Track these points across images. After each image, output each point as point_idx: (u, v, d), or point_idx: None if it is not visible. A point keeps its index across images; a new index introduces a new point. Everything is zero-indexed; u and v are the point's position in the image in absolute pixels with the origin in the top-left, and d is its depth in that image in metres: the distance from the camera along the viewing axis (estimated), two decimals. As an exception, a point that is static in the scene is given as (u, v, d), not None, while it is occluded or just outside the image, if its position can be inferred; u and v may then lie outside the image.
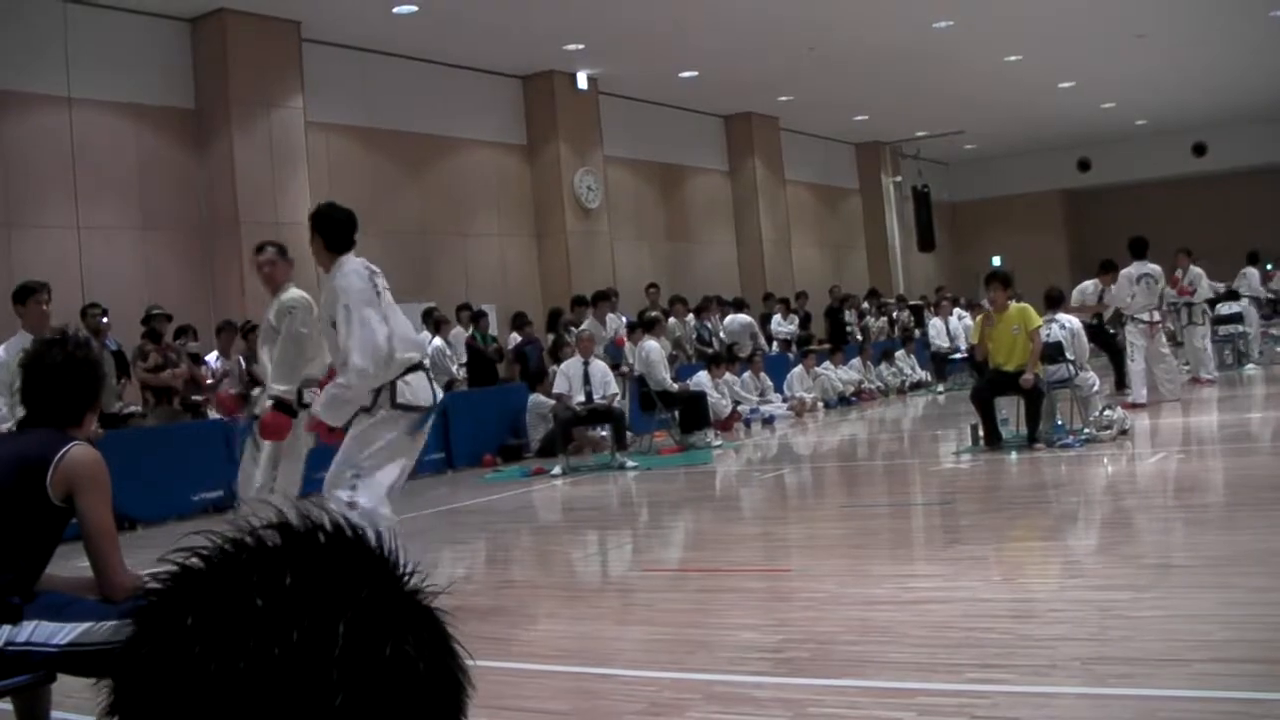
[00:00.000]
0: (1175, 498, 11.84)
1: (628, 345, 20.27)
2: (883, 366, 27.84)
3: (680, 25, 23.52)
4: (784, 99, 31.61)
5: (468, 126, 25.30)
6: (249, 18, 19.83)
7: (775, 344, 27.86)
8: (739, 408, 22.83)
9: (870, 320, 31.23)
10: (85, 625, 4.82)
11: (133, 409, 16.19)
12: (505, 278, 25.50)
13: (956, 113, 34.72)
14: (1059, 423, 16.01)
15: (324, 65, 21.68)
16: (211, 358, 17.85)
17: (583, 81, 26.80)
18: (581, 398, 18.14)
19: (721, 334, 25.73)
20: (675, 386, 20.06)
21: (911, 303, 34.20)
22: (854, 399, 25.96)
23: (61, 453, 4.99)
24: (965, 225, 45.18)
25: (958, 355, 27.45)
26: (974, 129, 37.83)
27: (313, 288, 12.13)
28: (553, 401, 18.91)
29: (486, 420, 20.11)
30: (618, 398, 18.44)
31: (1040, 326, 15.78)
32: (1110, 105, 36.39)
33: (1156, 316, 19.95)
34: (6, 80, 17.73)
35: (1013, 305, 15.98)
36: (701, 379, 21.71)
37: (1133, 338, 19.87)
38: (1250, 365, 25.49)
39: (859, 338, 29.46)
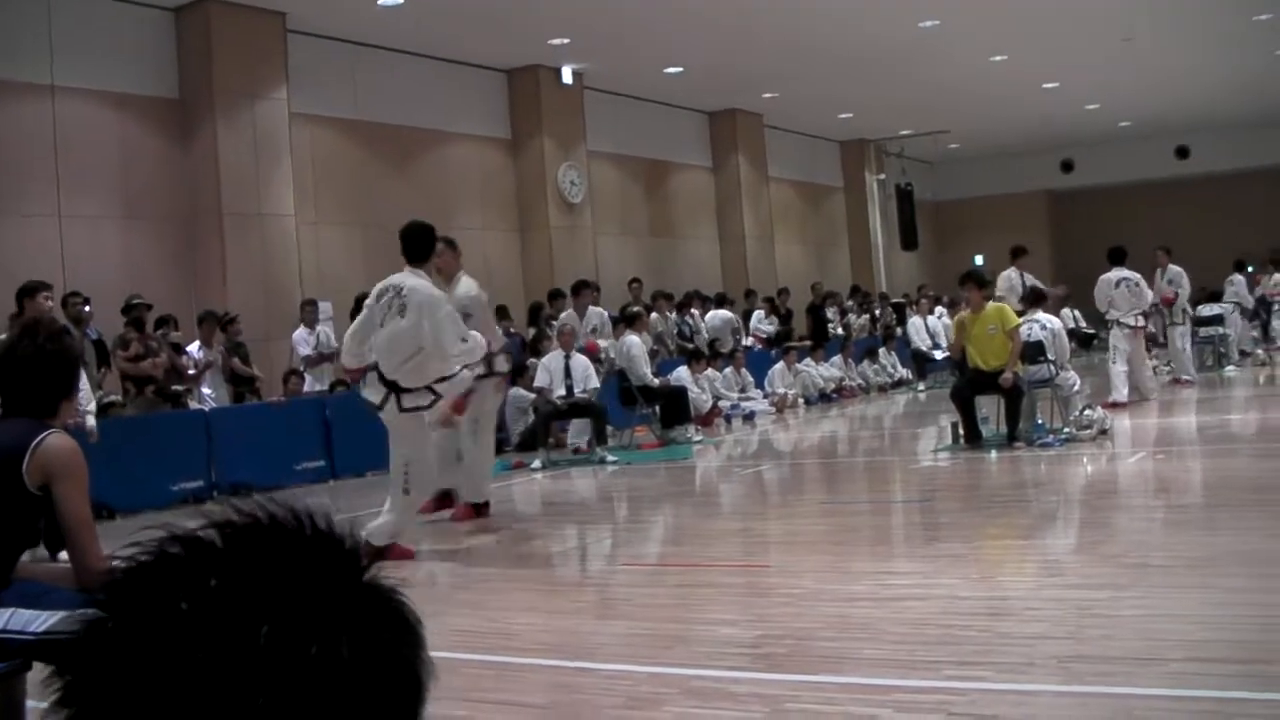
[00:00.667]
0: (1154, 498, 11.88)
1: (609, 341, 20.26)
2: (865, 364, 27.86)
3: (666, 21, 23.51)
4: (769, 96, 31.61)
5: (452, 120, 25.26)
6: (234, 8, 19.77)
7: (754, 341, 27.84)
8: (720, 403, 22.80)
9: (852, 318, 31.25)
10: (62, 613, 4.80)
11: (112, 398, 16.14)
12: (488, 272, 25.45)
13: (941, 112, 34.72)
14: (1039, 422, 16.04)
15: (309, 57, 21.61)
16: (193, 348, 17.80)
17: (568, 76, 26.78)
18: (562, 391, 18.13)
19: (704, 330, 25.75)
20: (656, 381, 20.05)
21: (894, 301, 34.25)
22: (835, 396, 25.97)
23: (37, 441, 4.97)
24: (948, 224, 45.22)
25: (938, 354, 27.47)
26: (958, 128, 37.84)
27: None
28: (533, 395, 18.91)
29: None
30: (598, 392, 18.44)
31: (1018, 326, 15.81)
32: (1094, 107, 36.44)
33: (1141, 320, 20.07)
34: (-10, 68, 17.72)
35: (990, 305, 16.01)
36: (682, 374, 21.69)
37: (1115, 340, 19.97)
38: (1230, 367, 25.56)
39: (841, 335, 29.48)
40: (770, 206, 34.68)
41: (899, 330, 30.33)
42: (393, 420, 11.10)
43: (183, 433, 15.98)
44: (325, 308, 20.28)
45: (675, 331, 25.12)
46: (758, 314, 29.10)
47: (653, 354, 21.70)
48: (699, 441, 19.58)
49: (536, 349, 21.09)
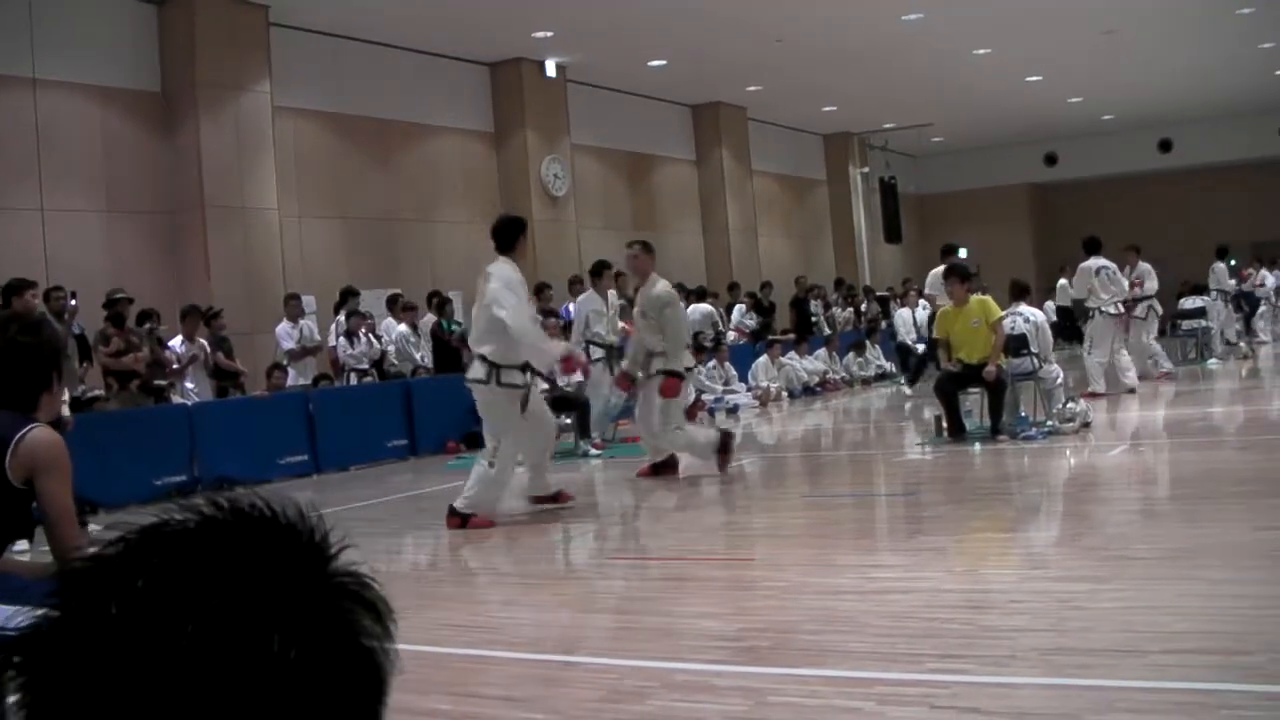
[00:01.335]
0: (1137, 490, 11.91)
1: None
2: (850, 356, 27.89)
3: (649, 14, 23.51)
4: (752, 89, 31.64)
5: (435, 113, 25.24)
6: (216, 1, 19.75)
7: (736, 335, 27.83)
8: (703, 397, 22.82)
9: (837, 311, 31.29)
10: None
11: (95, 393, 16.13)
12: (471, 265, 25.37)
13: (925, 105, 34.75)
14: (1022, 415, 16.07)
15: (292, 50, 21.59)
16: (175, 342, 17.75)
17: (551, 69, 26.77)
18: (545, 385, 18.10)
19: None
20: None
21: (878, 294, 34.29)
22: (819, 389, 26.00)
23: (20, 434, 4.96)
24: (932, 217, 45.21)
25: (923, 347, 27.49)
26: (942, 122, 37.88)
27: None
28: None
29: (450, 407, 20.07)
30: (583, 385, 18.41)
31: (1002, 319, 15.83)
32: (1078, 100, 36.51)
33: (1121, 308, 20.21)
34: (-29, 61, 17.68)
35: (973, 298, 16.04)
36: (666, 367, 21.65)
37: (1093, 330, 20.11)
38: (1213, 360, 25.64)
39: (825, 328, 29.51)
40: (754, 200, 34.71)
41: (884, 323, 30.36)
42: (486, 397, 11.97)
43: (166, 427, 15.97)
44: (309, 301, 20.29)
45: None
46: (739, 308, 29.10)
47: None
48: (683, 435, 19.54)
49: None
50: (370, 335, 20.21)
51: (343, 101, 23.19)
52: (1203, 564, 7.86)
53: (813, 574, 8.60)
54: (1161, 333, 23.30)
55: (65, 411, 12.94)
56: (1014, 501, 11.81)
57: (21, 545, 5.58)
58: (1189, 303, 27.30)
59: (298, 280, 20.66)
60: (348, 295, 20.16)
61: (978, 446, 15.28)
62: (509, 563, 10.61)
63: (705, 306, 26.83)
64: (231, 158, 19.86)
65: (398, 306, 21.20)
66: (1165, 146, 42.58)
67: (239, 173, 19.95)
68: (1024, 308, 16.84)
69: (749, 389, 24.50)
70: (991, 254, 38.47)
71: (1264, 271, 32.71)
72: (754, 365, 25.07)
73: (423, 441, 19.39)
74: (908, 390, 24.48)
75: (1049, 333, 17.08)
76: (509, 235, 12.27)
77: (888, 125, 37.82)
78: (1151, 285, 22.04)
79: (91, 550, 1.19)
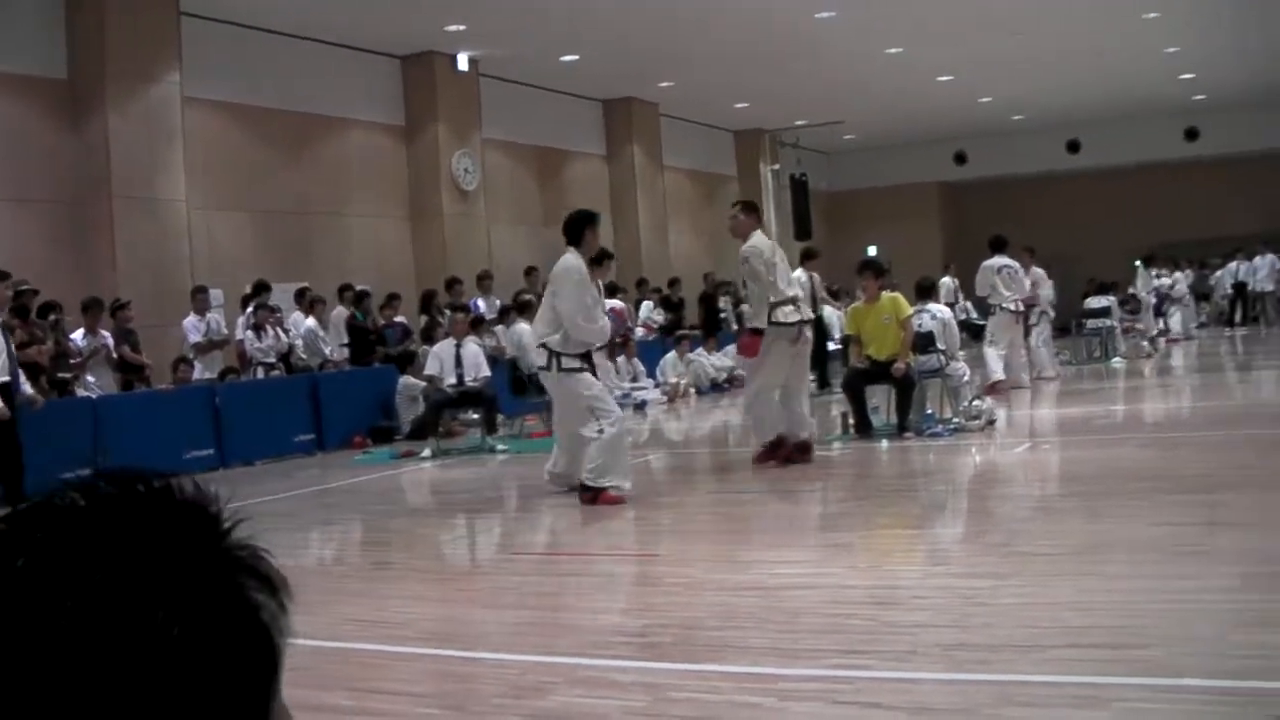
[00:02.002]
0: (1039, 487, 12.03)
1: (500, 328, 20.29)
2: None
3: (562, 9, 23.46)
4: (664, 85, 31.65)
5: (346, 106, 25.07)
6: (126, -11, 19.53)
7: (644, 331, 27.86)
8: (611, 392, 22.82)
9: (745, 308, 31.33)
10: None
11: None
12: (381, 259, 25.31)
13: (837, 103, 34.86)
14: (929, 412, 16.18)
15: (203, 40, 21.31)
16: (77, 335, 17.50)
17: (463, 63, 26.65)
18: (453, 380, 18.06)
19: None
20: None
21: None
22: (726, 386, 26.04)
23: None
24: (842, 215, 45.39)
25: (831, 345, 27.58)
26: (854, 119, 38.01)
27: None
28: (423, 384, 18.84)
29: (357, 401, 20.03)
30: (489, 380, 18.39)
31: (911, 316, 15.94)
32: (988, 100, 36.77)
33: (1021, 306, 20.56)
34: None
35: (884, 295, 16.14)
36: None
37: (994, 325, 20.50)
38: (1117, 359, 25.95)
39: (733, 324, 29.58)
40: (665, 196, 34.72)
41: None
42: (551, 383, 12.85)
43: (70, 420, 15.76)
44: (216, 295, 20.10)
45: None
46: (647, 304, 29.12)
47: (544, 343, 21.72)
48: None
49: (429, 337, 21.03)
50: (278, 329, 20.08)
51: (254, 93, 22.97)
52: (1102, 560, 7.95)
53: (718, 570, 8.63)
54: (1066, 331, 23.57)
55: (26, 390, 12.97)
56: (919, 498, 11.89)
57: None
58: (1095, 302, 27.64)
59: (206, 273, 20.43)
60: (259, 289, 20.04)
61: (884, 443, 15.38)
62: (415, 558, 10.57)
63: (615, 302, 26.82)
64: (140, 148, 19.60)
65: (305, 300, 21.08)
66: (1074, 147, 43.02)
67: (147, 164, 19.69)
68: (932, 305, 16.99)
69: (657, 385, 24.54)
70: (902, 251, 38.70)
71: (1178, 273, 33.75)
72: (662, 361, 25.13)
73: (330, 436, 19.30)
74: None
75: (956, 330, 17.23)
76: (575, 228, 12.93)
77: (799, 122, 37.89)
78: (1045, 293, 22.38)
79: None
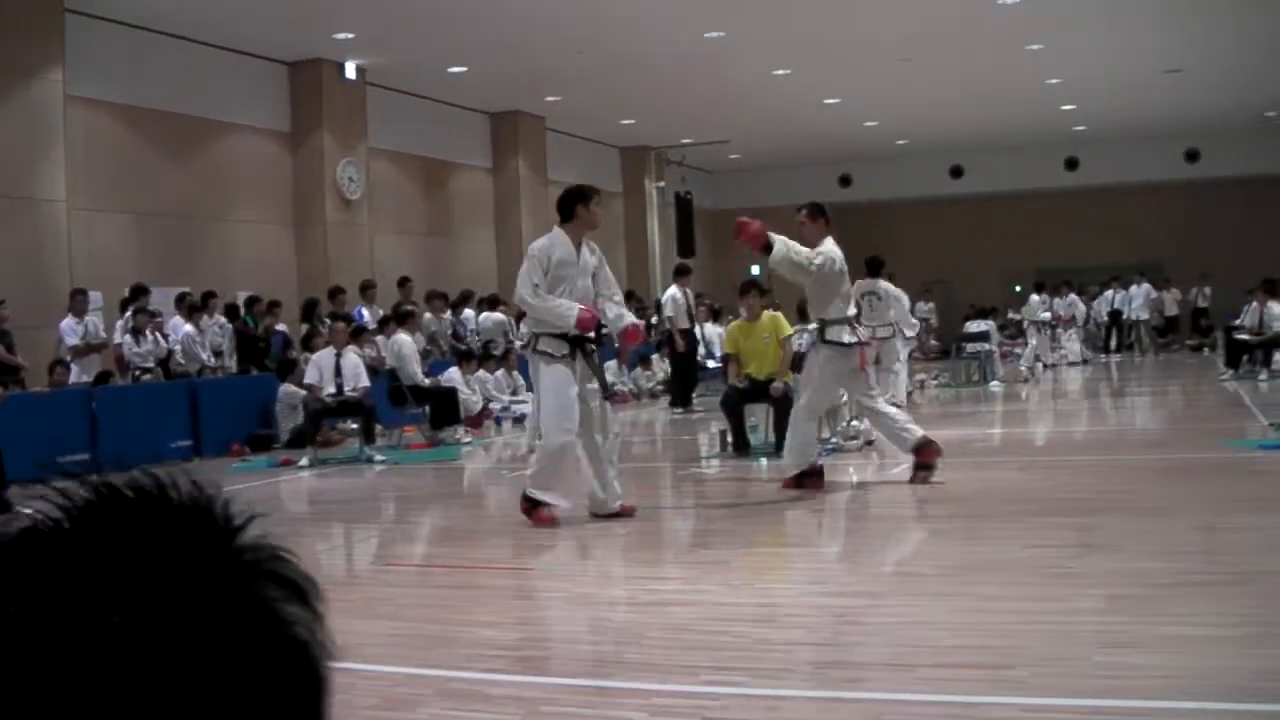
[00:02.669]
0: (917, 508, 12.10)
1: (380, 338, 20.23)
2: (638, 370, 28.04)
3: (451, 20, 23.38)
4: (552, 99, 31.64)
5: (231, 110, 24.81)
6: (8, -18, 19.23)
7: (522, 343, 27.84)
8: (490, 405, 22.79)
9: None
10: None
11: None
12: (264, 265, 25.10)
13: (723, 122, 35.02)
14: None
15: (88, 38, 21.03)
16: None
17: (351, 71, 26.51)
18: (332, 389, 17.95)
19: (477, 330, 25.78)
20: (427, 381, 20.03)
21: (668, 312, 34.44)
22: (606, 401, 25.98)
23: None
24: (726, 233, 45.01)
25: (712, 363, 27.65)
26: (739, 139, 38.21)
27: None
28: (303, 392, 18.72)
29: (236, 409, 19.85)
30: (368, 390, 18.29)
31: (792, 335, 16.03)
32: (873, 124, 37.07)
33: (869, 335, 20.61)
34: None
35: (765, 314, 16.23)
36: (453, 375, 21.67)
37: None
38: (995, 382, 26.27)
39: (614, 340, 29.55)
40: (550, 209, 34.53)
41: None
42: (531, 368, 12.53)
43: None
44: (95, 297, 19.84)
45: (449, 332, 25.08)
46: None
47: (425, 354, 21.74)
48: (468, 443, 19.57)
49: (309, 345, 20.90)
50: (157, 334, 19.87)
51: (139, 94, 22.66)
52: (975, 581, 8.02)
53: (593, 585, 8.64)
54: (946, 354, 23.70)
55: None
56: (796, 518, 11.93)
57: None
58: (974, 326, 27.99)
59: (85, 275, 20.14)
60: (138, 292, 19.83)
61: (763, 462, 15.43)
62: (289, 567, 10.47)
63: (498, 315, 26.79)
64: (19, 146, 19.29)
65: (185, 305, 20.88)
66: (956, 173, 43.63)
67: (27, 162, 19.38)
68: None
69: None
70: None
71: (1072, 295, 34.51)
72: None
73: (208, 443, 19.10)
74: (677, 412, 24.24)
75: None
76: (566, 204, 12.64)
77: (685, 140, 38.06)
78: (905, 316, 22.59)
79: None
